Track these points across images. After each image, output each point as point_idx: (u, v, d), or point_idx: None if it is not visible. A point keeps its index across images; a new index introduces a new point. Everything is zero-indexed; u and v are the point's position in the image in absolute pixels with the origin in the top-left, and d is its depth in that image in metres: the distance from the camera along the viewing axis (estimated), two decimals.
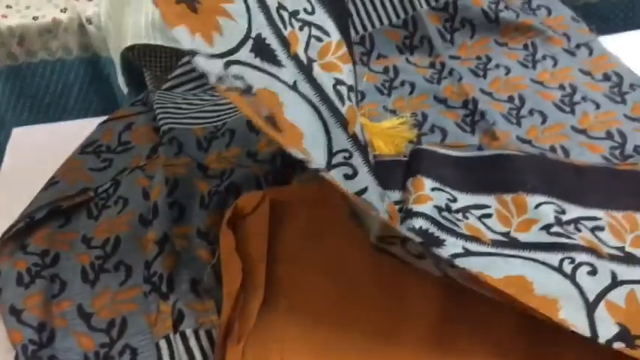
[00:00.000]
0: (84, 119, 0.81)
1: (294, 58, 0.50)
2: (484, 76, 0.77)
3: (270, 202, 0.60)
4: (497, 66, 0.78)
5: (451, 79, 0.77)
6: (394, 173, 0.60)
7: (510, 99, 0.73)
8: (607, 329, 0.46)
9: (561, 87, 0.74)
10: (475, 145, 0.65)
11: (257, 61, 0.47)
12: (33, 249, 0.60)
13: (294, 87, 0.49)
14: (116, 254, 0.60)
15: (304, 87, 0.50)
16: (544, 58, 0.79)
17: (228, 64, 0.45)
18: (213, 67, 0.44)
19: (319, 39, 0.53)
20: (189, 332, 0.51)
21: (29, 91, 0.96)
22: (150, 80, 0.91)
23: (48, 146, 0.75)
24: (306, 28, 0.52)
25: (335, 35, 0.54)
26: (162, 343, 0.51)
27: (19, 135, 0.80)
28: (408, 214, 0.56)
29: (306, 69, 0.51)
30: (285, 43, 0.50)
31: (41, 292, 0.56)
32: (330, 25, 0.54)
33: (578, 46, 0.80)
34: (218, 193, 0.63)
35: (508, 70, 0.77)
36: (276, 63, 0.48)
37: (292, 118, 0.47)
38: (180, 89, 0.81)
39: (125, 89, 0.90)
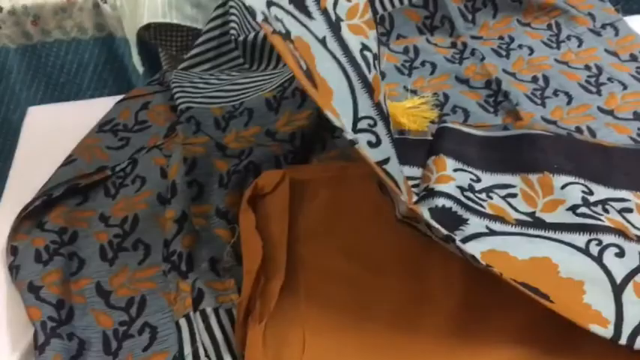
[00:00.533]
0: (99, 98, 0.81)
1: (324, 12, 0.48)
2: (507, 56, 0.75)
3: (290, 181, 0.59)
4: (520, 46, 0.76)
5: (473, 59, 0.75)
6: (417, 150, 0.59)
7: (534, 79, 0.71)
8: (635, 311, 0.45)
9: (587, 67, 0.72)
10: (500, 125, 0.63)
11: (291, 8, 0.46)
12: (51, 226, 0.60)
13: (323, 42, 0.47)
14: (134, 233, 0.60)
15: (333, 44, 0.48)
16: (568, 38, 0.77)
17: (269, 4, 0.43)
18: (258, 3, 0.42)
19: None
20: (209, 311, 0.51)
21: (44, 70, 0.96)
22: (165, 60, 0.90)
23: (64, 125, 0.75)
24: None
25: None
26: (183, 322, 0.51)
27: (35, 114, 0.79)
28: (429, 193, 0.55)
29: (334, 26, 0.49)
30: None
31: (59, 270, 0.56)
32: None
33: (603, 26, 0.78)
34: (237, 172, 0.62)
35: (531, 50, 0.76)
36: (308, 14, 0.47)
37: (323, 73, 0.46)
38: (197, 69, 0.80)
39: (141, 69, 0.90)
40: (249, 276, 0.51)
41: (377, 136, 0.48)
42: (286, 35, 0.44)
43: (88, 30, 0.95)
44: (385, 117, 0.50)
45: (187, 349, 0.49)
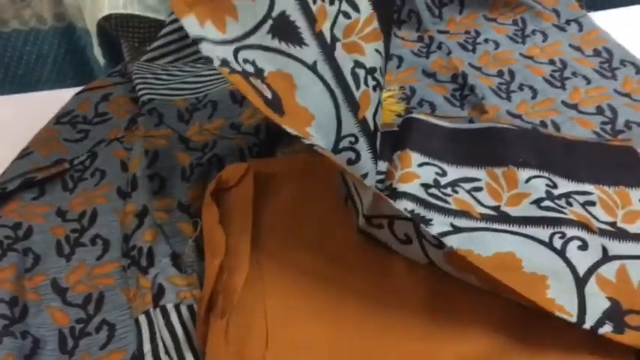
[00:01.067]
0: (59, 90, 0.78)
1: (319, 36, 0.49)
2: (473, 51, 0.75)
3: (255, 175, 0.58)
4: (486, 40, 0.77)
5: (440, 52, 0.75)
6: (384, 142, 0.59)
7: (500, 73, 0.72)
8: (597, 304, 0.46)
9: (551, 62, 0.72)
10: (466, 118, 0.63)
11: (274, 43, 0.46)
12: (4, 221, 0.58)
13: (313, 67, 0.48)
14: (93, 227, 0.58)
15: (323, 68, 0.49)
16: (533, 33, 0.77)
17: (238, 50, 0.44)
18: (220, 52, 0.43)
19: (347, 15, 0.51)
20: (170, 307, 0.50)
21: (2, 61, 0.93)
22: (127, 51, 0.88)
23: (21, 117, 0.72)
24: (337, 2, 0.50)
25: (365, 10, 0.52)
26: (142, 319, 0.49)
27: None
28: (392, 193, 0.54)
29: (328, 48, 0.49)
30: (311, 19, 0.48)
31: (13, 266, 0.54)
32: None
33: (567, 21, 0.79)
34: (200, 165, 0.61)
35: (497, 45, 0.76)
36: (298, 42, 0.48)
37: (304, 101, 0.47)
38: (161, 61, 0.78)
39: (102, 60, 0.87)
40: (211, 270, 0.50)
41: (357, 153, 0.50)
42: (255, 74, 0.44)
43: (47, 20, 0.92)
44: (369, 131, 0.51)
45: (147, 347, 0.48)
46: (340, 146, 0.49)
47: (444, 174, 0.57)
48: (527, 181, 0.55)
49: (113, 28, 0.85)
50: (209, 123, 0.67)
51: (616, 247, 0.51)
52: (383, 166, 0.58)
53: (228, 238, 0.53)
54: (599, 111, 0.65)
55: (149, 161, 0.62)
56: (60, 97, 0.73)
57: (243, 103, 0.68)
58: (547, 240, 0.51)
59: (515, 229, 0.52)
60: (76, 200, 0.61)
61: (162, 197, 0.59)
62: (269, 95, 0.45)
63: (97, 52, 0.88)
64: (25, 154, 0.64)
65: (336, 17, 0.51)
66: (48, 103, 0.73)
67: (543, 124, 0.64)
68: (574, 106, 0.66)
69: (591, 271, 0.48)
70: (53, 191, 0.62)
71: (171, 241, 0.55)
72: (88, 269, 0.54)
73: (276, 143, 0.65)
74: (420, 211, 0.53)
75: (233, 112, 0.67)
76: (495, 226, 0.53)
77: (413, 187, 0.55)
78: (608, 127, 0.63)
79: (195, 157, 0.62)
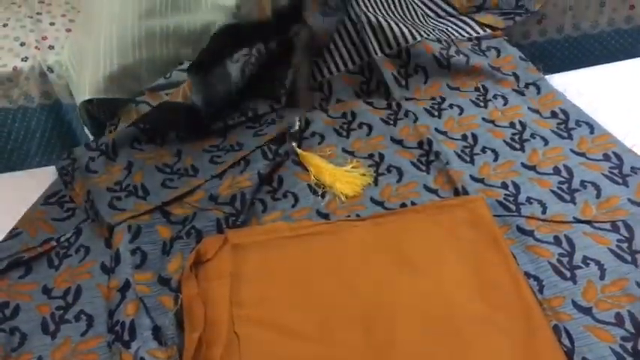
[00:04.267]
0: (46, 167, 0.81)
1: None
2: (439, 116, 0.79)
3: (232, 245, 0.61)
4: (450, 105, 0.80)
5: (407, 120, 0.79)
6: None
7: (464, 137, 0.75)
8: None
9: (512, 125, 0.76)
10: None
11: None
12: None
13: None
14: (77, 304, 0.60)
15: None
16: (495, 97, 0.81)
17: None
18: None
19: None
20: None
21: None
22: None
23: (10, 194, 0.75)
24: None
25: None
26: None
27: None
28: None
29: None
30: None
31: (0, 347, 0.55)
32: None
33: (526, 85, 0.83)
34: (179, 239, 0.64)
35: (461, 110, 0.80)
36: None
37: None
38: None
39: (91, 136, 0.90)
40: (190, 344, 0.52)
41: None
42: None
43: (34, 98, 0.96)
44: None
45: None
46: None
47: None
48: None
49: (95, 111, 0.88)
50: (191, 196, 0.70)
51: None
52: None
53: (207, 310, 0.55)
54: (556, 171, 0.69)
55: (132, 236, 0.64)
56: (48, 175, 0.77)
57: (222, 177, 0.71)
58: None
59: None
60: (61, 277, 0.63)
61: (143, 271, 0.61)
62: None
63: (87, 130, 0.91)
64: (13, 235, 0.67)
65: None
66: (36, 180, 0.76)
67: (504, 185, 0.68)
68: (532, 168, 0.70)
69: None
70: (39, 269, 0.64)
71: (152, 314, 0.57)
72: (72, 346, 0.56)
73: (251, 212, 0.67)
74: None
75: (213, 184, 0.71)
76: None
77: None
78: (564, 186, 0.67)
79: (176, 230, 0.65)
